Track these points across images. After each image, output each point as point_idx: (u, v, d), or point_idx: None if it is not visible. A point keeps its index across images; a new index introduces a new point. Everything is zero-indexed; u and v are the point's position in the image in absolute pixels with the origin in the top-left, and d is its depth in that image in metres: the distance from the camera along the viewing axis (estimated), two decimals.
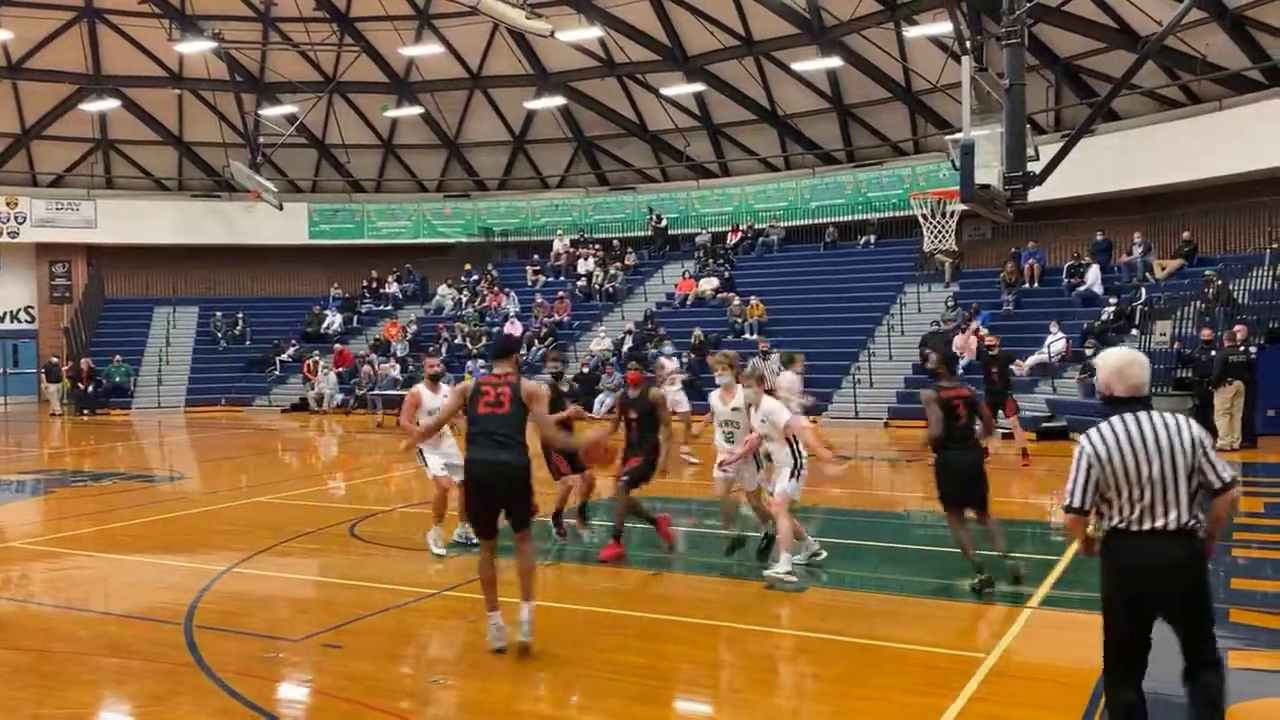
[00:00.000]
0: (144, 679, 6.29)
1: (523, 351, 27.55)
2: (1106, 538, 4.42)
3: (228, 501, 13.16)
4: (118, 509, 12.26)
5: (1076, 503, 4.41)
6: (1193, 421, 4.46)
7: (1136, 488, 4.30)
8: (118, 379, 29.13)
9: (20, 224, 31.95)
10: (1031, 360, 21.12)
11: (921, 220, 17.96)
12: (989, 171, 9.54)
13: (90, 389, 28.48)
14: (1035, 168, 10.31)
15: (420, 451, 9.67)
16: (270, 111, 31.55)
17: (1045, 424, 18.86)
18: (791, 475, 8.44)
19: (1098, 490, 4.38)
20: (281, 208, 31.66)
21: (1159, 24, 19.78)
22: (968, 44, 18.64)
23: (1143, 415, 4.38)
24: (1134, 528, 4.32)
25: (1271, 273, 19.70)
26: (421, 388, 9.78)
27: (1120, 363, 4.53)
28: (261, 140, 32.02)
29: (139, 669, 6.45)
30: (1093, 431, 4.44)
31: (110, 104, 30.96)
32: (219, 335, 32.14)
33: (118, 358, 29.56)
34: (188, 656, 6.58)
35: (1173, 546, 4.31)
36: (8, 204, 31.76)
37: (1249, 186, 21.49)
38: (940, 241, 17.10)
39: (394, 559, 9.72)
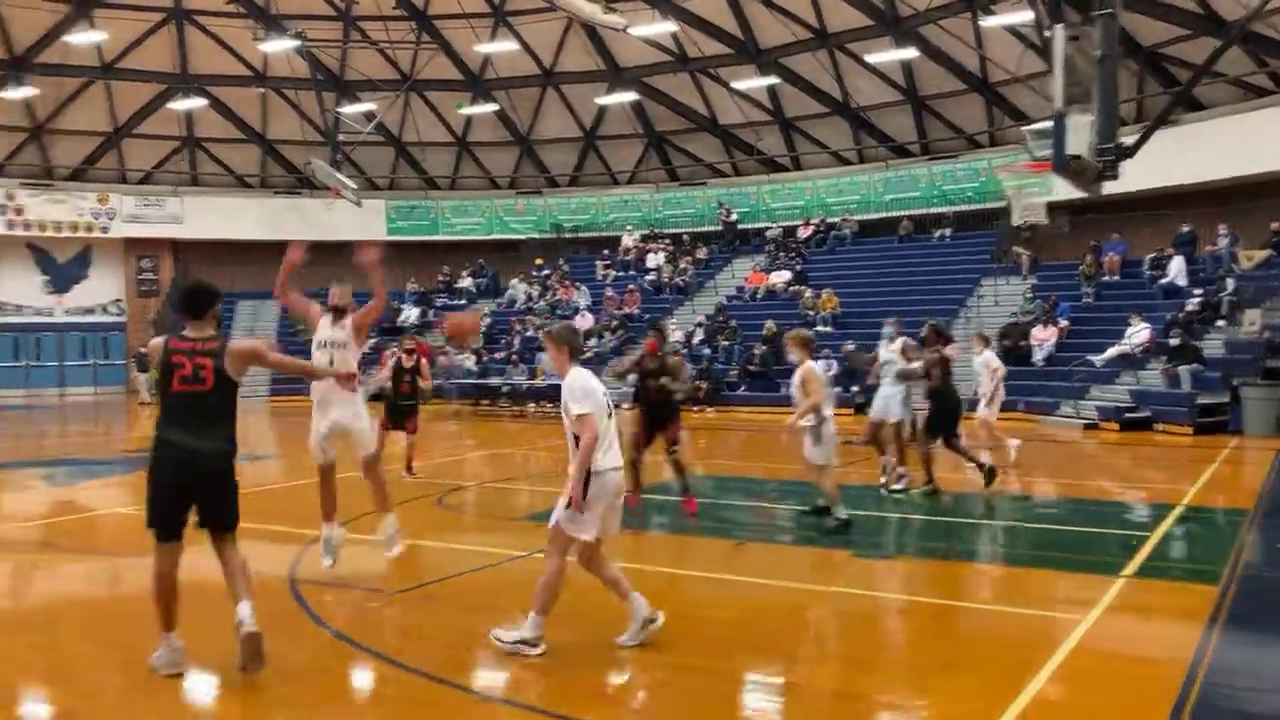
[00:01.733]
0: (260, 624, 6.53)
1: (594, 341, 27.91)
2: None
3: (312, 478, 13.49)
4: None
5: None
6: None
7: None
8: None
9: (110, 220, 33.05)
10: (1111, 352, 20.77)
11: (1010, 195, 17.65)
12: (1079, 145, 9.45)
13: None
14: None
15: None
16: (350, 109, 32.23)
17: (1128, 414, 18.50)
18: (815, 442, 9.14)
19: None
20: (360, 204, 32.29)
21: (1245, 8, 19.34)
22: (1047, 33, 18.42)
23: None
24: None
25: None
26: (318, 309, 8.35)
27: None
28: (341, 138, 32.73)
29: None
30: None
31: (197, 103, 31.90)
32: (300, 328, 32.87)
33: None
34: (294, 604, 6.83)
35: None
36: (99, 201, 32.88)
37: None
38: (1030, 214, 16.81)
39: (482, 526, 9.96)
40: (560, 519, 5.79)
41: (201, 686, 5.42)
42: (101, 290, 34.00)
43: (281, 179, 35.06)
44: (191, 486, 5.42)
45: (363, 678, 5.67)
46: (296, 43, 28.89)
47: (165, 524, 5.41)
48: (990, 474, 11.08)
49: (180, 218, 33.57)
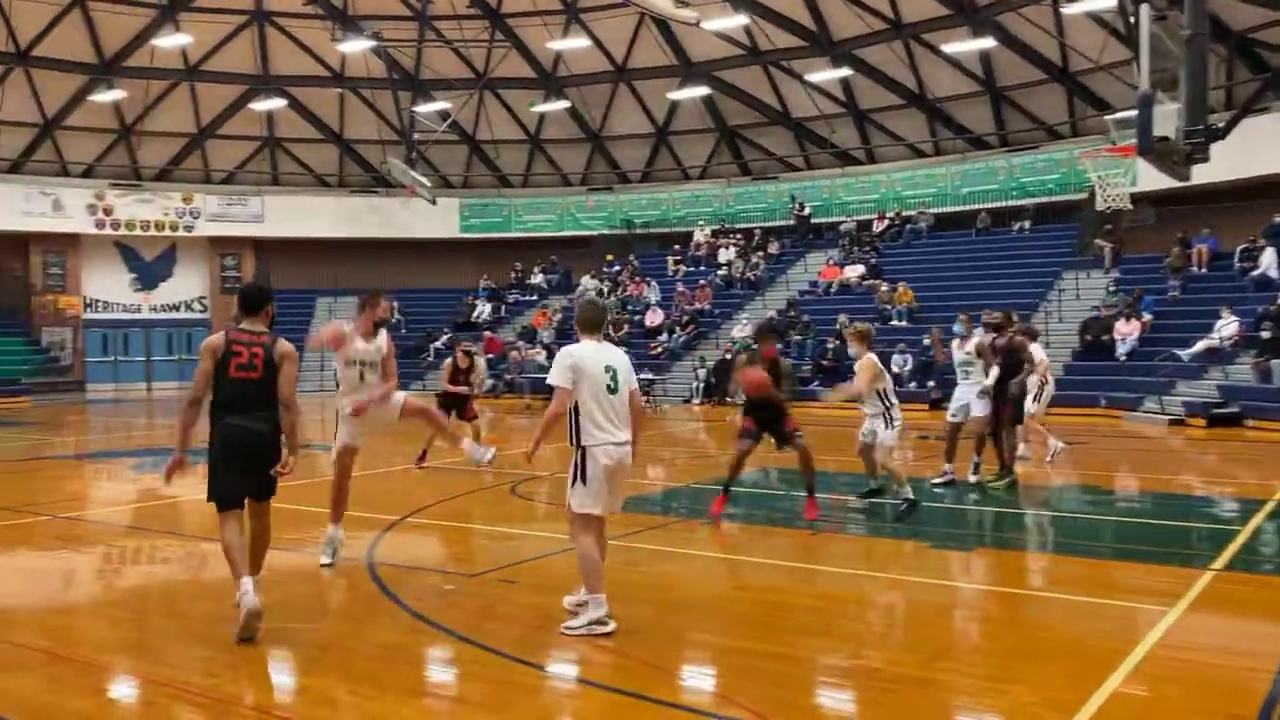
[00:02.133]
0: (338, 604, 6.67)
1: (664, 337, 27.92)
2: None
3: (391, 466, 13.75)
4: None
5: None
6: None
7: None
8: None
9: (195, 219, 33.98)
10: (1199, 346, 20.15)
11: (1094, 180, 17.24)
12: (1166, 127, 9.16)
13: None
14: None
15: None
16: (425, 108, 32.69)
17: (1216, 410, 17.91)
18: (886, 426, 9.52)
19: None
20: (435, 202, 32.80)
21: None
22: (1131, 19, 17.93)
23: None
24: None
25: None
26: (345, 326, 7.67)
27: None
28: (416, 137, 33.21)
29: (332, 596, 6.85)
30: None
31: (277, 103, 32.63)
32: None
33: None
34: (374, 587, 6.95)
35: None
36: (184, 200, 33.83)
37: None
38: (1115, 203, 16.40)
39: (555, 514, 9.96)
40: (570, 499, 5.94)
41: (283, 663, 5.54)
42: (186, 287, 34.98)
43: (358, 178, 35.71)
44: (247, 461, 5.91)
45: (440, 657, 5.74)
46: (373, 43, 29.40)
47: (227, 496, 5.93)
48: (1011, 483, 10.77)
49: (261, 216, 34.38)
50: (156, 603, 6.81)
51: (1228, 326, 19.89)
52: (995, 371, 10.74)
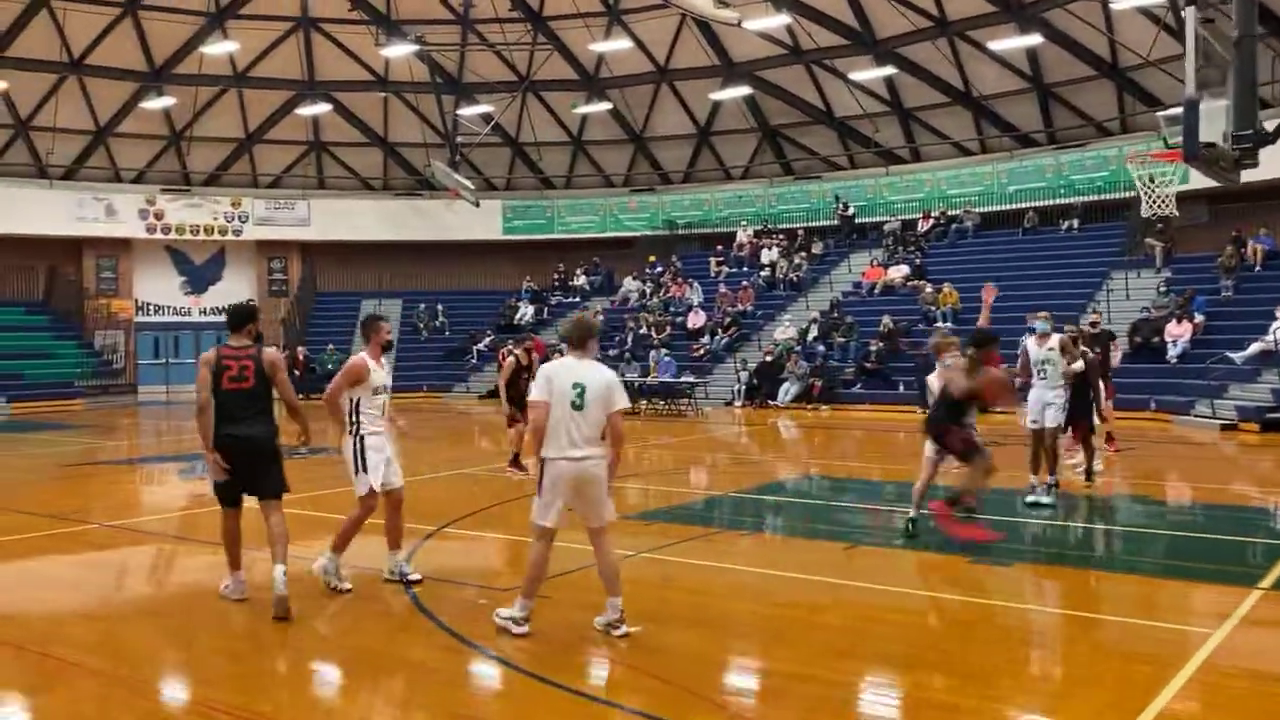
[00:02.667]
0: (372, 620, 6.71)
1: (706, 339, 27.83)
2: None
3: (429, 474, 13.82)
4: (323, 480, 12.88)
5: None
6: None
7: None
8: (330, 366, 31.01)
9: (243, 223, 34.48)
10: (1254, 348, 19.68)
11: (1139, 185, 16.92)
12: (1214, 132, 8.94)
13: (305, 375, 30.44)
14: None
15: (356, 444, 7.23)
16: (468, 111, 32.88)
17: (1270, 415, 17.49)
18: None
19: None
20: (478, 204, 32.98)
21: None
22: (1182, 13, 17.57)
23: None
24: None
25: None
26: (366, 358, 7.36)
27: None
28: (460, 140, 33.43)
29: (366, 610, 6.89)
30: None
31: (323, 108, 33.00)
32: (421, 326, 33.78)
33: (330, 346, 31.46)
34: (408, 601, 6.98)
35: None
36: (232, 204, 34.34)
37: None
38: (1160, 207, 16.09)
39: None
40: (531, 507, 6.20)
41: (320, 677, 5.59)
42: (235, 291, 35.38)
43: (402, 181, 36.02)
44: (243, 466, 6.69)
45: (472, 676, 5.75)
46: (416, 47, 29.59)
47: (226, 495, 6.85)
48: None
49: (307, 220, 34.80)
50: (199, 614, 6.90)
51: None
52: (1079, 364, 10.65)
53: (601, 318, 30.98)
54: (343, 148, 35.45)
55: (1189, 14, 8.40)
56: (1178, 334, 21.18)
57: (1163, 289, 23.04)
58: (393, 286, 35.48)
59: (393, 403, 7.58)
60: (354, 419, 7.20)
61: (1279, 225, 23.40)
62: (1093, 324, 15.65)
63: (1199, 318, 21.42)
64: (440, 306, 34.30)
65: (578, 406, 5.97)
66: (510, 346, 14.84)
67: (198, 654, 6.06)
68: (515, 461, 12.85)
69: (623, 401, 6.11)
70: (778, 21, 27.30)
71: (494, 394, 29.64)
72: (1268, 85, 23.06)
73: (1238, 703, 5.08)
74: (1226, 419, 18.02)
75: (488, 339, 31.75)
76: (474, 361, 31.40)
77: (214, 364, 6.71)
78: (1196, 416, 18.78)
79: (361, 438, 7.17)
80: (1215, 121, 8.87)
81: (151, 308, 34.48)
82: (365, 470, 7.15)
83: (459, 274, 35.92)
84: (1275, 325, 19.60)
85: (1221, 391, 19.04)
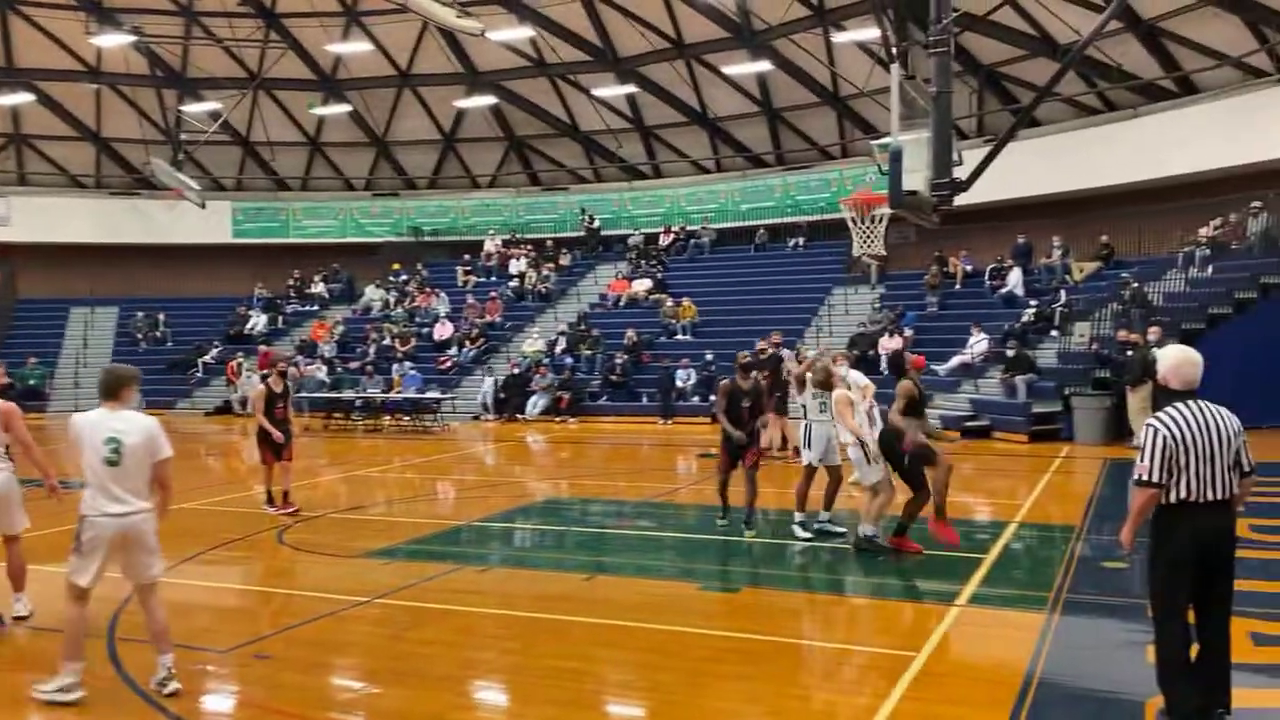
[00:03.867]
0: None
1: (453, 351, 27.45)
2: (1167, 509, 4.98)
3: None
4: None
5: (1156, 478, 4.94)
6: (1231, 413, 5.07)
7: (1203, 464, 4.91)
8: (32, 382, 28.18)
9: None
10: (954, 361, 21.61)
11: (851, 225, 18.28)
12: (916, 177, 9.74)
13: (4, 393, 27.53)
14: (959, 173, 10.56)
15: None
16: (192, 108, 30.87)
17: (967, 423, 19.26)
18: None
19: (1167, 466, 4.91)
20: (204, 206, 31.04)
21: (1077, 33, 20.36)
22: (894, 50, 19.03)
23: (1196, 404, 5.03)
24: (1199, 499, 4.92)
25: (1184, 275, 20.37)
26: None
27: (1176, 361, 5.17)
28: (183, 137, 31.31)
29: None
30: (1163, 415, 5.03)
31: (24, 98, 29.96)
32: (139, 336, 31.35)
33: (32, 360, 28.65)
34: (110, 670, 6.41)
35: (1225, 517, 5.01)
36: None
37: (1163, 192, 22.21)
38: (869, 245, 17.41)
39: (325, 566, 9.57)
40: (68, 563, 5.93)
41: None
42: None
43: (119, 179, 33.30)
44: None
45: None
46: (133, 38, 27.48)
47: None
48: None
49: (7, 219, 31.47)
50: None
51: (979, 343, 21.41)
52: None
53: (342, 327, 29.97)
54: (49, 142, 32.34)
55: (894, 70, 9.11)
56: (890, 347, 22.84)
57: (877, 305, 24.86)
58: (107, 293, 32.68)
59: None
60: None
61: (978, 247, 25.83)
62: (759, 351, 16.16)
63: (909, 332, 23.24)
64: (162, 315, 31.95)
65: (113, 462, 5.81)
66: (281, 361, 13.09)
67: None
68: (274, 499, 11.89)
69: (166, 450, 6.01)
70: (521, 34, 27.36)
71: (223, 410, 28.14)
72: (966, 119, 25.55)
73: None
74: (931, 428, 19.62)
75: (215, 350, 29.91)
76: (200, 375, 29.47)
77: None
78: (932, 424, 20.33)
79: None
80: (917, 169, 9.65)
81: None
82: None
83: (183, 280, 33.58)
84: (973, 340, 21.59)
85: (927, 402, 20.73)
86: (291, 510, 11.71)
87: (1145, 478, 4.95)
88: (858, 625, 7.65)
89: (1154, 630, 5.14)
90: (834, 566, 9.41)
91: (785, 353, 17.65)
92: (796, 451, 15.26)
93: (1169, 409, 5.04)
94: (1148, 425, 5.05)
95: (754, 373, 10.63)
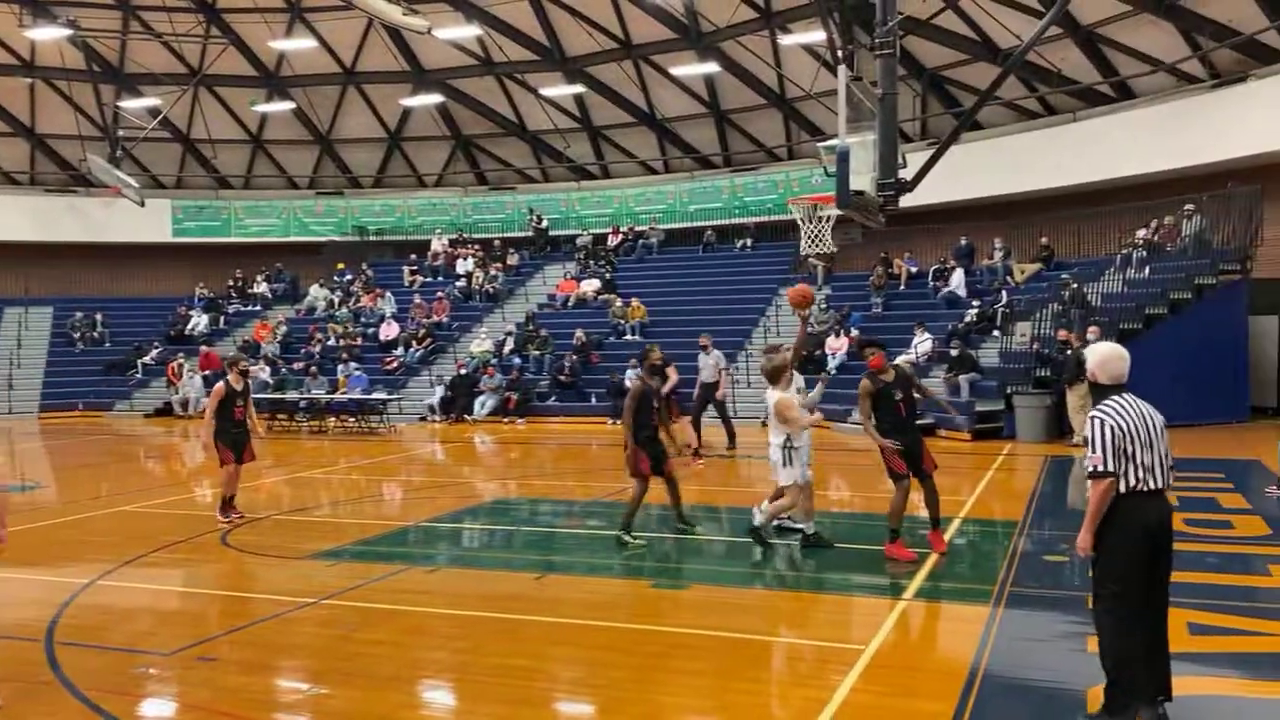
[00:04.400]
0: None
1: (400, 351, 27.19)
2: (1119, 500, 5.04)
3: (89, 511, 12.57)
4: None
5: (1110, 466, 5.01)
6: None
7: (1146, 452, 5.03)
8: None
9: None
10: (898, 360, 21.77)
11: (800, 224, 18.43)
12: (863, 178, 9.86)
13: None
14: (904, 175, 10.72)
15: None
16: (131, 104, 30.29)
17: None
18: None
19: (1117, 455, 5.00)
20: (143, 204, 30.49)
21: (1018, 38, 20.80)
22: (840, 53, 19.22)
23: (1128, 397, 5.15)
24: (1144, 488, 5.04)
25: (1121, 276, 20.83)
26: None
27: (1103, 357, 5.26)
28: (121, 134, 30.71)
29: None
30: (1104, 406, 5.12)
31: None
32: (76, 337, 30.64)
33: None
34: (49, 674, 6.27)
35: (1166, 505, 5.14)
36: None
37: (1101, 194, 22.73)
38: (817, 245, 17.57)
39: (270, 567, 9.44)
40: None
41: None
42: None
43: (54, 176, 32.55)
44: None
45: None
46: (69, 31, 26.87)
47: None
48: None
49: None
50: None
51: (923, 343, 21.69)
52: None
53: (285, 328, 29.54)
54: None
55: (840, 71, 9.21)
56: (836, 347, 23.10)
57: (823, 305, 25.07)
58: (43, 292, 31.93)
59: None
60: None
61: (921, 248, 26.18)
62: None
63: (855, 332, 23.48)
64: (99, 315, 31.27)
65: None
66: (241, 361, 12.52)
67: None
68: (226, 505, 11.49)
69: None
70: (468, 32, 27.22)
71: (163, 411, 27.56)
72: (910, 122, 25.90)
73: None
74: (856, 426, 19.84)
75: (156, 351, 29.35)
76: (139, 376, 28.88)
77: None
78: (853, 424, 20.52)
79: None
80: (864, 170, 9.78)
81: None
82: None
83: (121, 279, 32.92)
84: (916, 340, 21.87)
85: None
86: (236, 517, 11.47)
87: (1100, 468, 5.01)
88: (807, 619, 7.71)
89: (1107, 621, 5.15)
90: (784, 563, 9.48)
91: (715, 353, 18.06)
92: (697, 454, 15.73)
93: (1109, 401, 5.14)
94: (1092, 418, 5.12)
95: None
